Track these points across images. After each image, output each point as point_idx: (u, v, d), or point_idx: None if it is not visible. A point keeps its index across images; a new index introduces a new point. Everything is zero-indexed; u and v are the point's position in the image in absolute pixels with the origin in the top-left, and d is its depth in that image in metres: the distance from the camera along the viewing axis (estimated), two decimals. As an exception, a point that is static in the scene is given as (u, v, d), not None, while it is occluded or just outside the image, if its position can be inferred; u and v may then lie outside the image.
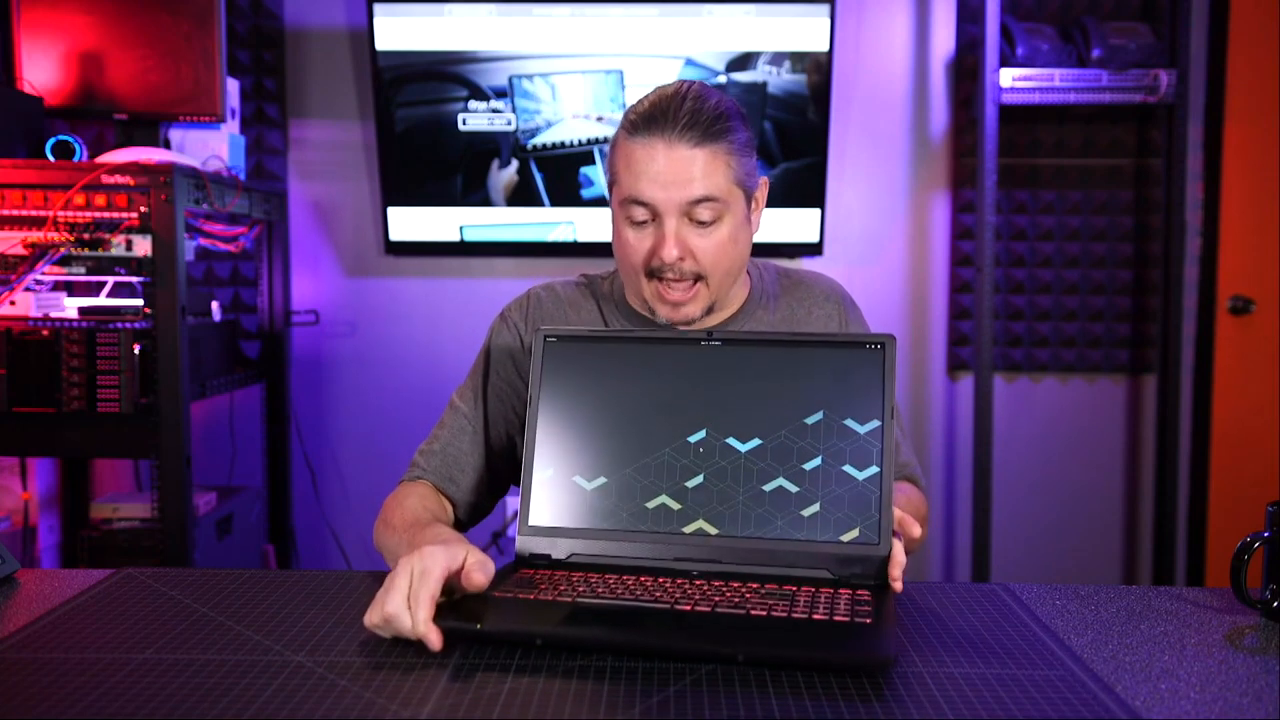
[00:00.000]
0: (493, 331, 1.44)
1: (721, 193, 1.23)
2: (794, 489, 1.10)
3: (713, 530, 1.10)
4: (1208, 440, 2.96)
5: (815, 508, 1.09)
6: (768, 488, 1.10)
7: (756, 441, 1.11)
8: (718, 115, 1.23)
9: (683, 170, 1.21)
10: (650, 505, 1.11)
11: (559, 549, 1.12)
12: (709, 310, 1.30)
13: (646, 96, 1.26)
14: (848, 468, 1.09)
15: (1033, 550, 3.02)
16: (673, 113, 1.22)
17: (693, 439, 1.12)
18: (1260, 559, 1.03)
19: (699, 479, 1.11)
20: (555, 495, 1.13)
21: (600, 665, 0.89)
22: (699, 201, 1.22)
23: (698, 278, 1.26)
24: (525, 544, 1.12)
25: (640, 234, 1.26)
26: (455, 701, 0.82)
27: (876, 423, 1.10)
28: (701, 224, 1.24)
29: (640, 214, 1.25)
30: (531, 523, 1.13)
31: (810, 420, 1.11)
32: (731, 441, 1.12)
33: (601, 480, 1.13)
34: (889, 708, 0.81)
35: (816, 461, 1.10)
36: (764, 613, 0.96)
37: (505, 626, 0.92)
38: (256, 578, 1.13)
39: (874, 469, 1.09)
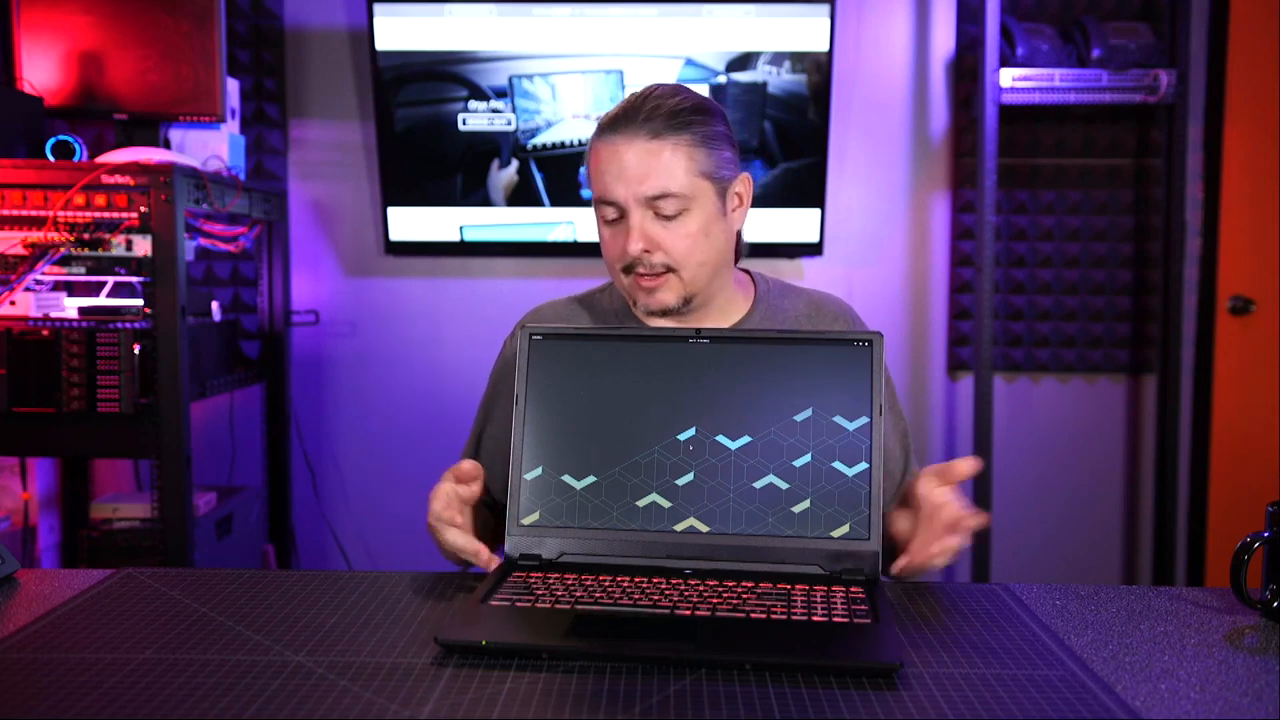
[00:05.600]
0: (496, 365, 1.46)
1: (681, 186, 1.25)
2: (784, 486, 1.10)
3: (704, 528, 1.10)
4: (1208, 440, 2.96)
5: (805, 504, 1.09)
6: (758, 485, 1.10)
7: (746, 439, 1.12)
8: (679, 110, 1.25)
9: (640, 165, 1.24)
10: (640, 503, 1.11)
11: (549, 549, 1.11)
12: (687, 301, 1.31)
13: (619, 102, 1.29)
14: (837, 464, 1.10)
15: (1033, 550, 3.02)
16: (634, 111, 1.25)
17: (682, 437, 1.12)
18: (1260, 559, 1.03)
19: (689, 477, 1.11)
20: (544, 495, 1.13)
21: (600, 665, 0.89)
22: (658, 197, 1.24)
23: (668, 269, 1.28)
24: (515, 544, 1.12)
25: (614, 232, 1.29)
26: (455, 701, 0.82)
27: (865, 419, 1.11)
28: (666, 217, 1.26)
29: (610, 212, 1.28)
30: (521, 523, 1.12)
31: (799, 417, 1.11)
32: (721, 439, 1.12)
33: (591, 479, 1.12)
34: (889, 707, 0.81)
35: (806, 458, 1.10)
36: (763, 615, 0.96)
37: (510, 640, 0.92)
38: (256, 578, 1.13)
39: (863, 465, 1.09)
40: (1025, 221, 2.94)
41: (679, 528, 1.10)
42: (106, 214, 2.11)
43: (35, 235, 2.11)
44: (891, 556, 1.23)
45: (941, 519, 1.09)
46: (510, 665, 0.89)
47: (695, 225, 1.27)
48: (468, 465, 1.13)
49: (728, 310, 1.38)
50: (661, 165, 1.24)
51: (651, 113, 1.24)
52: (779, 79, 2.76)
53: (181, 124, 2.41)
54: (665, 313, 1.31)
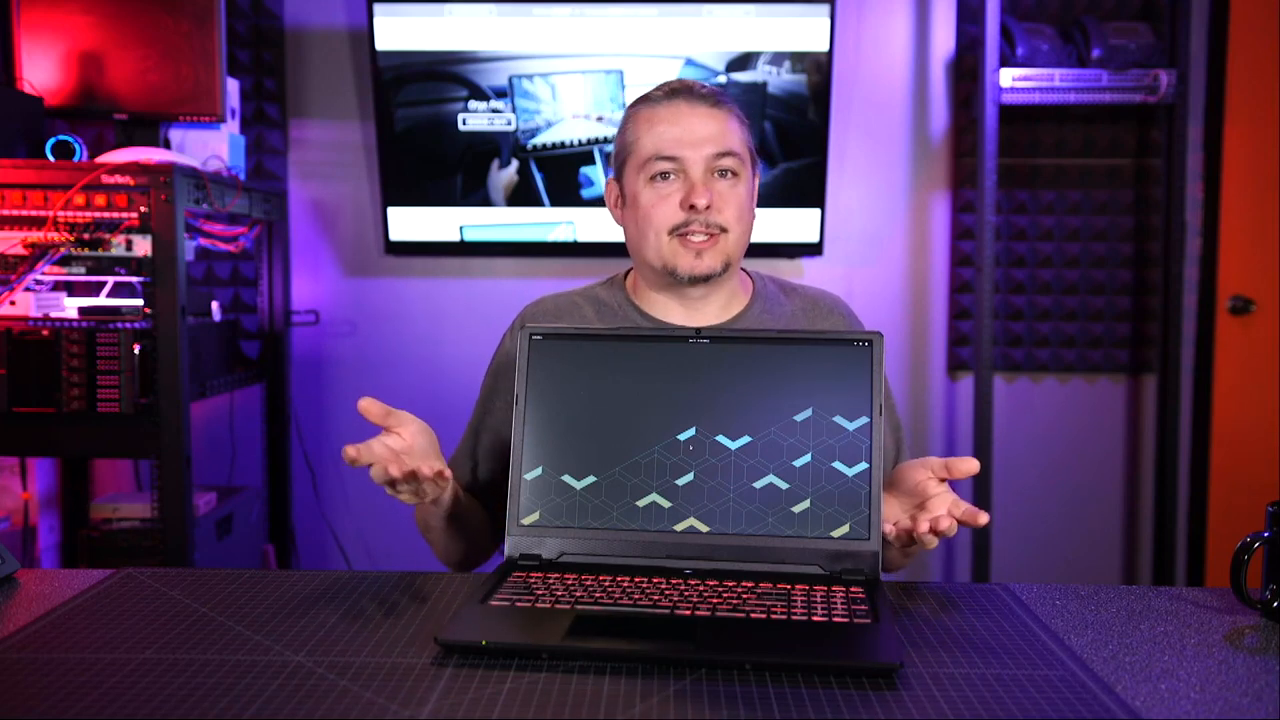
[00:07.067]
0: (495, 356, 1.46)
1: (740, 149, 1.33)
2: (784, 486, 1.10)
3: (704, 528, 1.10)
4: (1208, 440, 2.96)
5: (805, 504, 1.09)
6: (758, 485, 1.10)
7: (746, 439, 1.12)
8: (724, 92, 1.36)
9: (706, 126, 1.31)
10: (640, 503, 1.11)
11: (549, 549, 1.11)
12: (725, 269, 1.33)
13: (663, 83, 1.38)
14: (837, 464, 1.10)
15: (1033, 550, 3.02)
16: (686, 86, 1.34)
17: (682, 437, 1.12)
18: (1260, 559, 1.03)
19: (689, 477, 1.11)
20: (544, 495, 1.13)
21: (600, 665, 0.89)
22: (723, 155, 1.31)
23: (721, 229, 1.31)
24: (515, 544, 1.12)
25: (664, 191, 1.31)
26: (455, 701, 0.82)
27: (865, 419, 1.11)
28: (725, 179, 1.32)
29: (664, 167, 1.31)
30: (521, 523, 1.12)
31: (799, 417, 1.11)
32: (721, 439, 1.12)
33: (591, 479, 1.12)
34: (889, 707, 0.81)
35: (806, 458, 1.10)
36: (764, 615, 0.96)
37: (510, 640, 0.92)
38: (256, 578, 1.13)
39: (863, 465, 1.10)
40: (1025, 221, 2.94)
41: (679, 528, 1.10)
42: (106, 214, 2.11)
43: (35, 235, 2.11)
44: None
45: (930, 510, 1.10)
46: (510, 665, 0.89)
47: (745, 191, 1.34)
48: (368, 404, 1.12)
49: (731, 301, 1.40)
50: (725, 128, 1.32)
51: (703, 89, 1.33)
52: (779, 79, 2.76)
53: (181, 124, 2.41)
54: (708, 279, 1.32)
